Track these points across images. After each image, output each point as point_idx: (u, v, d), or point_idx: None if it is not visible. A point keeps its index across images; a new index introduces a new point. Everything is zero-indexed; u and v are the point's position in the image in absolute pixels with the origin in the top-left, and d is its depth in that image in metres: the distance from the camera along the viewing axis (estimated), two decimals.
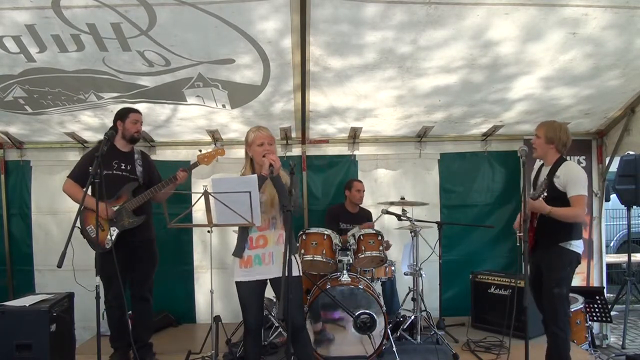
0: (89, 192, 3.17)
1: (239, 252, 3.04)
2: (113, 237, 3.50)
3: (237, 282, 3.05)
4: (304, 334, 3.16)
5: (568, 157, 5.10)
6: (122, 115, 3.71)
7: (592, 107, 4.57)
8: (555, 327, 3.10)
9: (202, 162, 3.76)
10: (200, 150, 3.82)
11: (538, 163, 3.53)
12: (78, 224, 3.45)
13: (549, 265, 3.20)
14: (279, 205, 2.97)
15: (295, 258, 3.05)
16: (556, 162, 3.29)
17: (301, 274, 3.15)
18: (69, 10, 3.01)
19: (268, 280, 3.08)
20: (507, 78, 3.97)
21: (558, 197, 3.17)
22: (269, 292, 3.32)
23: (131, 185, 3.65)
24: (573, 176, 3.21)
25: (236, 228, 3.15)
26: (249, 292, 3.03)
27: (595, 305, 4.63)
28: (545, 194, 3.09)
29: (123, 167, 3.67)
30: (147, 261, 3.77)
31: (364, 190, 4.89)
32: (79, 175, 3.66)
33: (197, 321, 5.15)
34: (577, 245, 3.21)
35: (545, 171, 3.34)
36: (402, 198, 4.53)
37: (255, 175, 2.86)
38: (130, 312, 3.83)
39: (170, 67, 3.64)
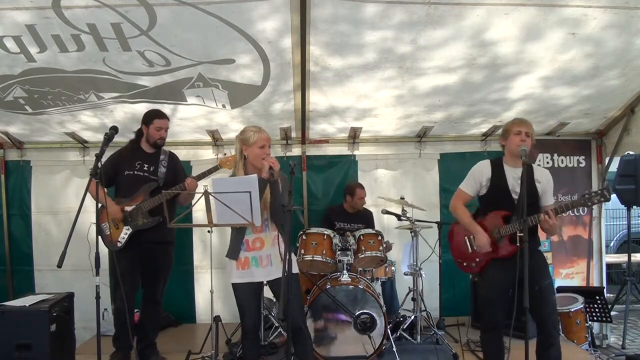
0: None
1: (234, 254, 3.02)
2: (126, 236, 3.54)
3: (234, 284, 3.03)
4: (304, 334, 3.15)
5: (566, 157, 5.20)
6: (147, 119, 3.70)
7: (592, 107, 4.57)
8: (555, 332, 3.04)
9: (225, 166, 3.72)
10: (225, 154, 3.79)
11: (485, 166, 3.20)
12: (93, 220, 3.49)
13: (541, 272, 3.06)
14: (277, 205, 2.96)
15: (292, 256, 3.06)
16: (524, 165, 3.02)
17: (298, 272, 3.15)
18: (69, 11, 3.02)
19: (266, 282, 3.07)
20: (506, 78, 3.97)
21: (534, 203, 3.04)
22: (269, 292, 3.33)
23: (150, 185, 3.65)
24: (551, 184, 3.12)
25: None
26: (247, 294, 3.02)
27: (595, 305, 4.63)
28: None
29: (145, 168, 3.68)
30: (159, 263, 3.75)
31: (365, 197, 4.86)
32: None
33: (197, 321, 5.15)
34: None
35: (515, 173, 3.06)
36: (402, 198, 4.53)
37: (256, 175, 2.86)
38: (136, 310, 3.84)
39: (170, 67, 3.65)
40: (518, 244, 2.81)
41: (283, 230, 2.95)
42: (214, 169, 3.73)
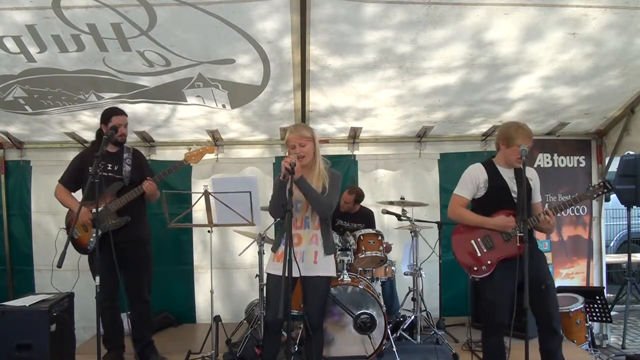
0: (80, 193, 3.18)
1: (275, 247, 3.12)
2: (94, 239, 3.48)
3: (267, 274, 3.12)
4: (319, 335, 3.15)
5: (566, 157, 5.20)
6: (104, 118, 3.66)
7: (592, 107, 4.57)
8: (560, 330, 3.06)
9: (190, 161, 3.72)
10: (190, 149, 3.79)
11: (479, 168, 3.26)
12: (64, 225, 3.49)
13: (543, 270, 3.11)
14: (315, 202, 2.97)
15: (329, 259, 3.08)
16: (524, 165, 3.08)
17: (332, 275, 3.13)
18: (69, 11, 3.02)
19: (299, 280, 3.03)
20: (506, 78, 3.97)
21: (529, 201, 3.11)
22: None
23: (115, 185, 3.62)
24: (539, 181, 3.22)
25: (237, 228, 3.15)
26: (275, 286, 3.00)
27: (595, 305, 4.63)
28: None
29: (109, 168, 3.64)
30: (137, 262, 3.69)
31: (352, 203, 4.75)
32: (66, 180, 3.73)
33: (197, 321, 5.15)
34: None
35: (510, 174, 3.16)
36: (402, 198, 4.53)
37: (255, 175, 2.87)
38: (128, 312, 3.82)
39: (170, 67, 3.65)
40: (522, 243, 2.80)
41: (326, 225, 3.05)
42: (179, 164, 3.70)
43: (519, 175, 3.05)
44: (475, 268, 3.19)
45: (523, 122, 3.32)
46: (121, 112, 3.70)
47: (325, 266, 3.04)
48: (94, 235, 3.49)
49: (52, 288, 3.55)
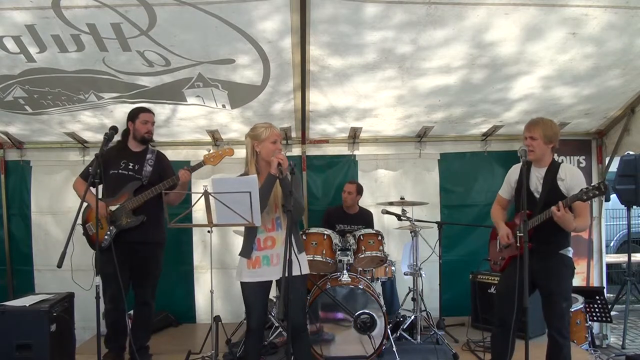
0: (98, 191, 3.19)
1: (247, 252, 3.02)
2: (109, 237, 3.49)
3: (243, 283, 3.03)
4: (305, 335, 3.14)
5: (566, 157, 5.20)
6: (132, 115, 3.72)
7: (592, 107, 4.57)
8: (562, 338, 3.02)
9: (209, 162, 3.71)
10: (209, 150, 3.79)
11: (515, 168, 3.30)
12: (80, 220, 3.47)
13: (555, 276, 3.05)
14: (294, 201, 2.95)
15: (301, 257, 3.05)
16: (552, 164, 3.13)
17: (307, 273, 3.13)
18: (69, 11, 3.02)
19: (274, 281, 3.07)
20: (507, 78, 3.97)
21: (556, 201, 2.98)
22: (271, 292, 3.32)
23: (133, 184, 3.62)
24: (579, 181, 3.00)
25: (237, 228, 3.13)
26: (255, 293, 3.01)
27: (595, 305, 4.63)
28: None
29: (130, 167, 3.66)
30: (146, 264, 3.68)
31: (355, 193, 4.81)
32: (85, 175, 3.72)
33: (197, 321, 5.15)
34: (571, 251, 3.15)
35: (539, 173, 3.12)
36: (402, 198, 4.53)
37: (255, 176, 2.86)
38: (130, 312, 3.82)
39: (170, 67, 3.65)
40: (531, 243, 2.83)
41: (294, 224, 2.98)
42: (198, 166, 3.71)
43: (547, 175, 3.09)
44: (493, 262, 3.47)
45: (523, 122, 3.31)
46: (149, 110, 3.76)
47: (302, 265, 2.99)
48: (108, 232, 3.50)
49: (73, 284, 3.53)
